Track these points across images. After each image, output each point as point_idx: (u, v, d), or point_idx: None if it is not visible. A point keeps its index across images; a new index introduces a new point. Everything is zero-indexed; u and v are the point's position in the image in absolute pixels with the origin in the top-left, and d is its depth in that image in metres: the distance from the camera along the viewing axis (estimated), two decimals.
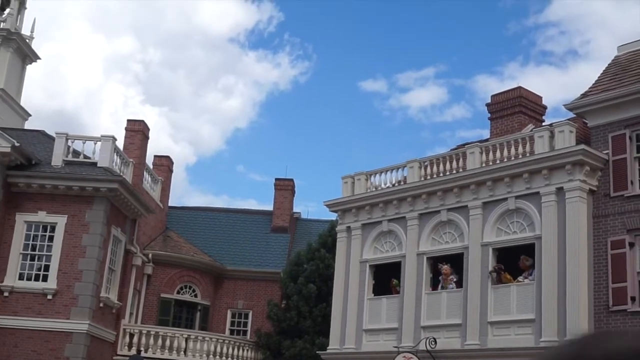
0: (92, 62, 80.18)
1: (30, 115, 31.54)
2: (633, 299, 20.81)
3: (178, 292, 35.22)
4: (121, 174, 30.02)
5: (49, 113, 67.28)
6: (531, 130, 24.87)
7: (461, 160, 25.18)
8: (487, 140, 28.05)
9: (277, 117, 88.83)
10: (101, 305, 28.58)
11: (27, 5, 41.67)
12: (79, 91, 79.01)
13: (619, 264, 21.14)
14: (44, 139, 32.57)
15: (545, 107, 29.51)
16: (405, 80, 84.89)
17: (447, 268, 24.60)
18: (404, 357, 23.79)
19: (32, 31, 41.41)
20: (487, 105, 29.45)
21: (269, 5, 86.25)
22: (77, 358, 26.92)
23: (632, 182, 21.60)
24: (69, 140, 29.92)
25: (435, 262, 25.27)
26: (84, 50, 79.61)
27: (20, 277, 27.58)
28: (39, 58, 33.64)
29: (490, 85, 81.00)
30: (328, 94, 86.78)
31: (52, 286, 27.33)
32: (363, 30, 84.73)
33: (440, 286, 24.78)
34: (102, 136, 29.73)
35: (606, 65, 25.37)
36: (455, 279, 24.39)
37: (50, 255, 27.72)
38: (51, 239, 27.95)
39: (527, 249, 22.86)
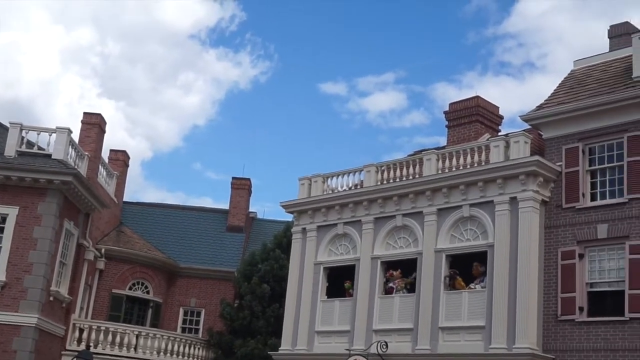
0: (49, 52, 78.91)
1: None
2: (581, 309, 21.23)
3: (130, 288, 34.93)
4: (76, 166, 29.68)
5: (1, 102, 66.12)
6: (487, 140, 25.18)
7: (418, 166, 25.41)
8: (443, 147, 28.33)
9: (236, 116, 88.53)
10: (51, 299, 28.23)
11: None
12: (35, 81, 77.71)
13: (569, 274, 21.54)
14: None
15: (501, 117, 29.97)
16: (365, 85, 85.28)
17: (397, 274, 24.81)
18: (355, 359, 23.92)
19: None
20: (445, 113, 29.81)
21: (231, 4, 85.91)
22: (25, 352, 26.57)
23: (583, 195, 22.02)
24: (23, 131, 29.47)
25: (389, 266, 25.44)
26: (41, 40, 78.40)
27: None
28: None
29: (449, 93, 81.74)
30: (288, 94, 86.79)
31: (1, 278, 26.93)
32: (325, 33, 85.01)
33: (395, 290, 24.96)
34: (57, 128, 29.38)
35: (562, 78, 25.86)
36: (404, 285, 24.60)
37: (0, 247, 27.31)
38: (1, 230, 27.54)
39: (480, 257, 23.13)
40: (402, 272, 24.90)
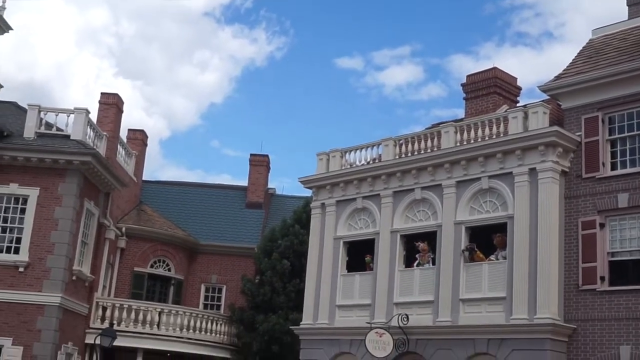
0: (63, 33, 79.09)
1: (1, 86, 31.15)
2: (602, 278, 21.15)
3: (151, 266, 35.21)
4: (94, 147, 29.86)
5: (17, 85, 66.34)
6: (505, 111, 25.03)
7: (436, 139, 25.32)
8: (461, 119, 28.22)
9: (253, 93, 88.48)
10: (74, 278, 28.52)
11: None
12: (50, 63, 77.94)
13: (589, 244, 21.45)
14: (16, 110, 32.27)
15: (519, 88, 29.79)
16: (381, 58, 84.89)
17: (424, 245, 24.81)
18: (377, 332, 24.03)
19: (3, 1, 40.77)
20: (462, 85, 29.66)
21: None
22: (50, 331, 26.90)
23: (603, 164, 21.87)
24: (42, 113, 29.65)
25: (409, 239, 25.46)
26: (55, 22, 78.52)
27: None
28: (11, 29, 33.16)
29: (466, 65, 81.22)
30: (304, 70, 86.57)
31: (24, 259, 27.23)
32: (340, 7, 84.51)
33: (416, 263, 25.00)
34: (75, 109, 29.50)
35: (580, 48, 25.57)
36: (432, 257, 24.62)
37: (22, 228, 27.60)
38: (23, 211, 27.79)
39: (500, 228, 23.08)
40: (429, 245, 24.89)
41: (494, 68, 29.10)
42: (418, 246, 25.06)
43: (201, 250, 36.83)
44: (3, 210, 27.81)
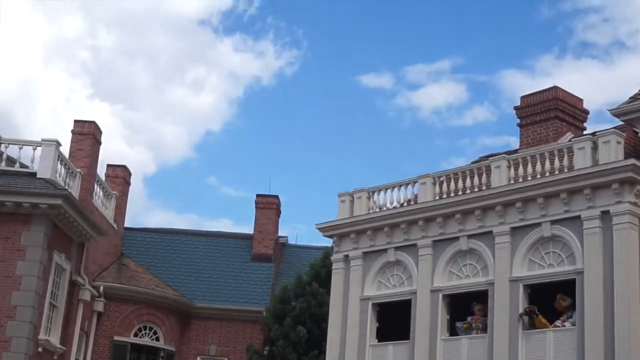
0: (28, 46, 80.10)
1: None
2: None
3: (135, 335, 35.19)
4: (66, 187, 30.04)
5: None
6: (570, 140, 25.03)
7: (484, 175, 25.31)
8: (515, 151, 28.19)
9: (259, 119, 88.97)
10: (40, 350, 28.52)
11: None
12: (11, 82, 78.75)
13: None
14: None
15: (586, 112, 29.86)
16: (415, 75, 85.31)
17: (480, 307, 24.75)
18: None
19: None
20: (516, 108, 29.77)
21: None
22: None
23: None
24: (2, 145, 29.93)
25: (453, 300, 25.36)
26: (18, 32, 79.54)
27: None
28: None
29: (519, 83, 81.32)
30: (321, 90, 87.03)
31: None
32: (364, 14, 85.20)
33: (464, 328, 24.90)
34: (43, 140, 29.77)
35: None
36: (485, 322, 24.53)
37: None
38: None
39: (566, 286, 22.93)
40: (482, 308, 24.77)
41: (555, 87, 29.16)
42: (473, 307, 24.96)
43: (197, 315, 36.79)
44: None
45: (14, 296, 27.65)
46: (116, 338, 34.68)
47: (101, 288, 34.13)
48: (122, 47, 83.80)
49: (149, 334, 35.54)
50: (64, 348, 30.64)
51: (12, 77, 77.98)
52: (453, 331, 25.32)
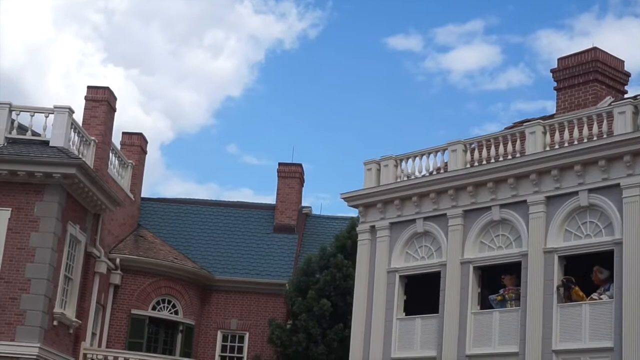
0: (38, 10, 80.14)
1: None
2: None
3: (154, 308, 35.42)
4: (80, 155, 30.14)
5: None
6: (609, 105, 24.84)
7: (518, 142, 25.20)
8: (552, 116, 28.09)
9: (281, 84, 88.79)
10: (55, 323, 28.76)
11: None
12: (21, 47, 78.94)
13: None
14: None
15: (628, 75, 29.71)
16: (446, 37, 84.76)
17: (511, 278, 24.78)
18: None
19: None
20: (553, 71, 29.64)
21: None
22: None
23: None
24: (13, 112, 30.00)
25: (484, 272, 25.35)
26: None
27: None
28: None
29: (557, 44, 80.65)
30: (346, 53, 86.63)
31: None
32: None
33: (497, 302, 24.94)
34: (55, 107, 29.83)
35: None
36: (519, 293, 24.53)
37: None
38: None
39: (603, 258, 22.86)
40: (515, 278, 24.77)
41: (594, 48, 28.99)
42: (503, 279, 24.93)
43: (217, 288, 36.97)
44: None
45: (28, 269, 27.82)
46: (134, 311, 34.91)
47: (117, 260, 34.33)
48: (136, 10, 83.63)
49: (167, 307, 35.74)
50: (80, 322, 30.87)
51: (22, 43, 78.10)
52: (483, 304, 25.32)
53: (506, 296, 25.02)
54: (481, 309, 25.28)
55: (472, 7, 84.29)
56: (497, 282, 25.36)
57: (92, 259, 31.90)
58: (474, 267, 25.42)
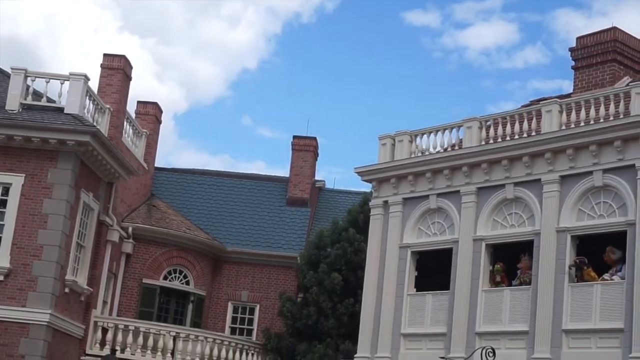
0: None
1: None
2: None
3: (165, 278, 35.61)
4: (95, 123, 30.25)
5: None
6: (627, 85, 24.77)
7: (534, 120, 25.17)
8: (568, 95, 28.02)
9: (297, 56, 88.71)
10: (67, 290, 28.97)
11: None
12: (37, 14, 78.95)
13: None
14: None
15: None
16: (464, 13, 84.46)
17: (526, 261, 24.75)
18: None
19: None
20: (571, 50, 29.52)
21: None
22: (35, 357, 27.30)
23: None
24: (29, 79, 30.09)
25: (497, 250, 25.39)
26: None
27: None
28: None
29: (575, 23, 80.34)
30: (363, 27, 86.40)
31: (5, 264, 27.70)
32: None
33: (514, 281, 25.02)
34: (70, 74, 29.92)
35: None
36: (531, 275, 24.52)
37: (3, 225, 28.06)
38: (3, 204, 28.26)
39: (616, 238, 22.89)
40: (529, 261, 24.79)
41: (613, 28, 28.86)
42: (520, 259, 25.00)
43: (228, 259, 37.15)
44: None
45: (40, 235, 28.01)
46: (145, 281, 35.13)
47: (130, 229, 34.52)
48: None
49: (179, 277, 35.94)
50: (91, 289, 31.09)
51: (38, 9, 78.15)
52: (494, 281, 25.38)
53: (522, 279, 25.01)
54: (492, 286, 25.29)
55: None
56: (509, 260, 25.36)
57: (104, 227, 32.10)
58: (486, 245, 25.44)
